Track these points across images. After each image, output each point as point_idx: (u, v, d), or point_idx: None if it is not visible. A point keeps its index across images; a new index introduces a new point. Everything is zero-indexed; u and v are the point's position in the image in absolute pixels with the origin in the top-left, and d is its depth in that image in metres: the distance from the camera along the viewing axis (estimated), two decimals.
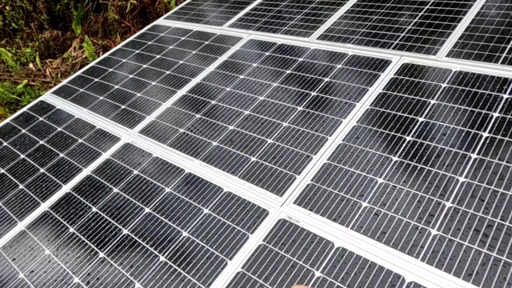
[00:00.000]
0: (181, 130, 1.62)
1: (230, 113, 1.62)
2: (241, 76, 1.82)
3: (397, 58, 1.63)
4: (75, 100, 2.05)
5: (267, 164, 1.35)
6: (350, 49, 1.76)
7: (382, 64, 1.62)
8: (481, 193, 1.06)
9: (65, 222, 1.38)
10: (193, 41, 2.23)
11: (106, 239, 1.28)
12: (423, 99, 1.40)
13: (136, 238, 1.25)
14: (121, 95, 1.97)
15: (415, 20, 1.82)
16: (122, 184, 1.46)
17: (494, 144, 1.18)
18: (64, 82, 2.25)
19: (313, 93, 1.59)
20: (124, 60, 2.26)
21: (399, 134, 1.30)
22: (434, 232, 1.01)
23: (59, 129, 1.86)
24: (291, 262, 1.05)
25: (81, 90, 2.12)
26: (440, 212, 1.05)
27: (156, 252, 1.19)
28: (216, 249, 1.14)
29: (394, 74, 1.55)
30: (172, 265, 1.15)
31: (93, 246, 1.27)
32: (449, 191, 1.09)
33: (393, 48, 1.68)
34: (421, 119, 1.33)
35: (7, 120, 2.04)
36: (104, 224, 1.33)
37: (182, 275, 1.11)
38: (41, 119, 1.98)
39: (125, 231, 1.28)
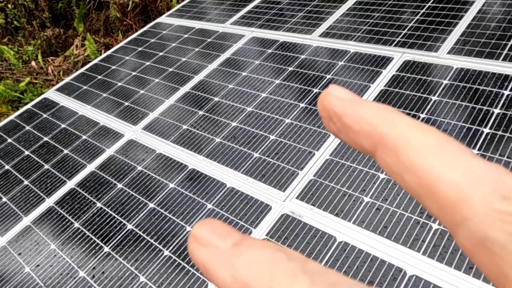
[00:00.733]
0: (184, 127, 1.64)
1: (233, 109, 1.64)
2: (244, 73, 1.83)
3: (399, 55, 1.64)
4: (79, 97, 2.06)
5: (270, 160, 1.37)
6: (352, 46, 1.78)
7: (384, 61, 1.63)
8: None
9: (70, 217, 1.40)
10: (195, 39, 2.24)
11: (111, 234, 1.29)
12: (425, 95, 1.41)
13: (140, 233, 1.27)
14: (124, 92, 1.98)
15: (417, 17, 1.83)
16: (126, 180, 1.47)
17: (495, 140, 1.19)
18: (68, 79, 2.26)
19: (316, 90, 1.60)
20: (126, 58, 2.28)
21: None
22: (435, 226, 1.03)
23: (63, 125, 1.88)
24: None
25: (85, 87, 2.13)
26: None
27: (160, 247, 1.21)
28: None
29: (396, 71, 1.56)
30: (176, 259, 1.16)
31: (98, 241, 1.28)
32: None
33: (395, 45, 1.69)
34: (422, 116, 1.34)
35: (11, 117, 2.06)
36: (108, 219, 1.34)
37: (186, 269, 1.13)
38: (45, 116, 1.99)
39: (129, 226, 1.30)
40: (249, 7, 2.39)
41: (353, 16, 1.98)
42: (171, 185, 1.39)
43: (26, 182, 1.61)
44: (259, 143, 1.44)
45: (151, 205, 1.34)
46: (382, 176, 1.19)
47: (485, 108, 1.30)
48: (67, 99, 2.08)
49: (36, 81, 3.61)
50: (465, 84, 1.41)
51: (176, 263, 1.15)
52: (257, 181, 1.31)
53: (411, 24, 1.79)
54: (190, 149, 1.52)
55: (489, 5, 1.74)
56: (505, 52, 1.48)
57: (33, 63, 3.77)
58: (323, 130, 1.41)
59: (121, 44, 2.46)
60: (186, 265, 1.14)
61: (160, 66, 2.09)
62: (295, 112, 1.52)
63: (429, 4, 1.89)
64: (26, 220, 1.44)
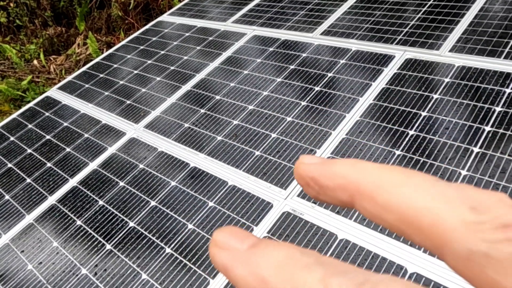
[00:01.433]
0: (186, 125, 1.64)
1: (234, 108, 1.64)
2: (245, 72, 1.83)
3: (400, 53, 1.63)
4: (81, 95, 2.07)
5: (271, 158, 1.37)
6: (354, 45, 1.77)
7: (386, 59, 1.63)
8: (483, 186, 1.08)
9: (72, 215, 1.41)
10: (197, 37, 2.24)
11: (113, 232, 1.30)
12: (426, 93, 1.41)
13: (142, 230, 1.27)
14: (126, 91, 1.98)
15: (418, 15, 1.83)
16: (128, 178, 1.48)
17: (497, 138, 1.19)
18: (69, 78, 2.27)
19: (317, 88, 1.60)
20: (128, 56, 2.28)
21: (402, 128, 1.32)
22: None
23: (65, 124, 1.89)
24: None
25: (86, 85, 2.14)
26: None
27: (162, 244, 1.21)
28: None
29: (397, 69, 1.56)
30: (178, 256, 1.17)
31: (100, 239, 1.29)
32: None
33: (396, 44, 1.69)
34: (424, 114, 1.34)
35: (14, 116, 2.06)
36: (110, 217, 1.35)
37: (188, 266, 1.13)
38: (47, 114, 2.00)
39: (131, 224, 1.30)
40: (251, 5, 2.39)
41: (354, 14, 1.98)
42: (173, 183, 1.40)
43: (28, 180, 1.61)
44: (260, 141, 1.44)
45: (153, 203, 1.35)
46: None
47: (486, 106, 1.30)
48: (69, 97, 2.08)
49: (38, 79, 3.62)
50: (466, 82, 1.41)
51: (178, 260, 1.16)
52: (259, 179, 1.31)
53: (412, 22, 1.79)
54: (191, 147, 1.52)
55: (491, 3, 1.74)
56: (507, 50, 1.48)
57: (35, 61, 3.78)
58: (324, 128, 1.41)
59: (123, 42, 2.46)
60: (187, 263, 1.14)
61: (162, 65, 2.09)
62: (297, 110, 1.53)
63: (430, 2, 1.89)
64: (29, 218, 1.45)
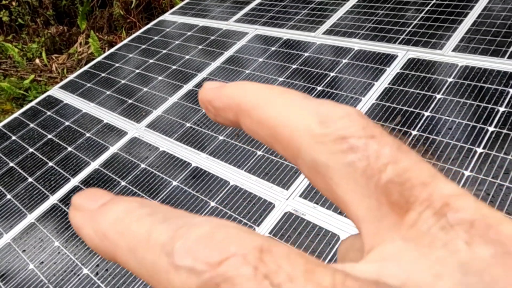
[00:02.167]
0: (188, 125, 1.64)
1: None
2: (247, 71, 1.82)
3: (403, 53, 1.63)
4: (82, 94, 2.06)
5: (273, 158, 1.36)
6: (356, 44, 1.77)
7: (388, 59, 1.62)
8: (486, 187, 1.07)
9: None
10: (198, 36, 2.24)
11: None
12: (429, 93, 1.41)
13: None
14: (127, 90, 1.98)
15: (421, 14, 1.82)
16: (130, 177, 1.47)
17: (500, 138, 1.18)
18: (71, 77, 2.27)
19: (319, 88, 1.60)
20: (130, 55, 2.28)
21: (404, 129, 1.31)
22: None
23: (66, 123, 1.89)
24: None
25: (88, 85, 2.13)
26: None
27: None
28: None
29: (400, 69, 1.56)
30: None
31: None
32: None
33: (399, 43, 1.68)
34: (427, 114, 1.33)
35: (16, 115, 2.07)
36: None
37: None
38: (49, 113, 2.00)
39: None
40: (253, 4, 2.38)
41: (357, 14, 1.97)
42: (175, 183, 1.39)
43: (30, 180, 1.61)
44: None
45: None
46: None
47: (490, 106, 1.29)
48: (71, 96, 2.08)
49: (40, 78, 3.62)
50: (470, 82, 1.40)
51: None
52: (260, 179, 1.30)
53: (415, 22, 1.78)
54: (193, 147, 1.52)
55: (495, 2, 1.73)
56: (510, 49, 1.47)
57: (37, 60, 3.79)
58: None
59: (125, 41, 2.46)
60: None
61: (164, 64, 2.09)
62: None
63: (434, 1, 1.88)
64: (30, 217, 1.45)
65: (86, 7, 3.99)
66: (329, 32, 1.90)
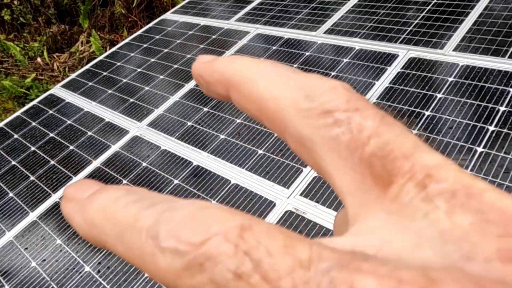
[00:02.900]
0: (189, 123, 1.64)
1: None
2: None
3: (404, 52, 1.63)
4: (84, 93, 2.07)
5: (274, 157, 1.37)
6: (357, 43, 1.77)
7: (389, 58, 1.63)
8: None
9: None
10: (200, 36, 2.24)
11: None
12: (430, 93, 1.41)
13: None
14: (129, 89, 1.99)
15: (422, 14, 1.82)
16: (131, 176, 1.48)
17: (500, 138, 1.19)
18: (73, 75, 2.27)
19: None
20: (131, 54, 2.28)
21: None
22: None
23: (68, 122, 1.89)
24: None
25: (90, 83, 2.14)
26: None
27: None
28: None
29: (401, 68, 1.56)
30: None
31: None
32: None
33: (400, 42, 1.69)
34: (427, 113, 1.34)
35: (18, 113, 2.07)
36: None
37: None
38: (50, 112, 2.01)
39: None
40: (254, 3, 2.39)
41: (358, 13, 1.97)
42: (176, 182, 1.40)
43: (32, 178, 1.62)
44: (263, 140, 1.44)
45: None
46: None
47: (490, 105, 1.29)
48: (73, 95, 2.09)
49: (42, 77, 3.63)
50: (470, 82, 1.40)
51: None
52: (261, 178, 1.31)
53: (416, 21, 1.79)
54: (194, 145, 1.53)
55: (496, 2, 1.73)
56: (511, 49, 1.47)
57: (38, 59, 3.79)
58: None
59: (126, 40, 2.46)
60: None
61: (165, 63, 2.10)
62: None
63: (434, 1, 1.88)
64: (33, 215, 1.46)
65: (88, 6, 3.99)
66: (330, 31, 1.91)
